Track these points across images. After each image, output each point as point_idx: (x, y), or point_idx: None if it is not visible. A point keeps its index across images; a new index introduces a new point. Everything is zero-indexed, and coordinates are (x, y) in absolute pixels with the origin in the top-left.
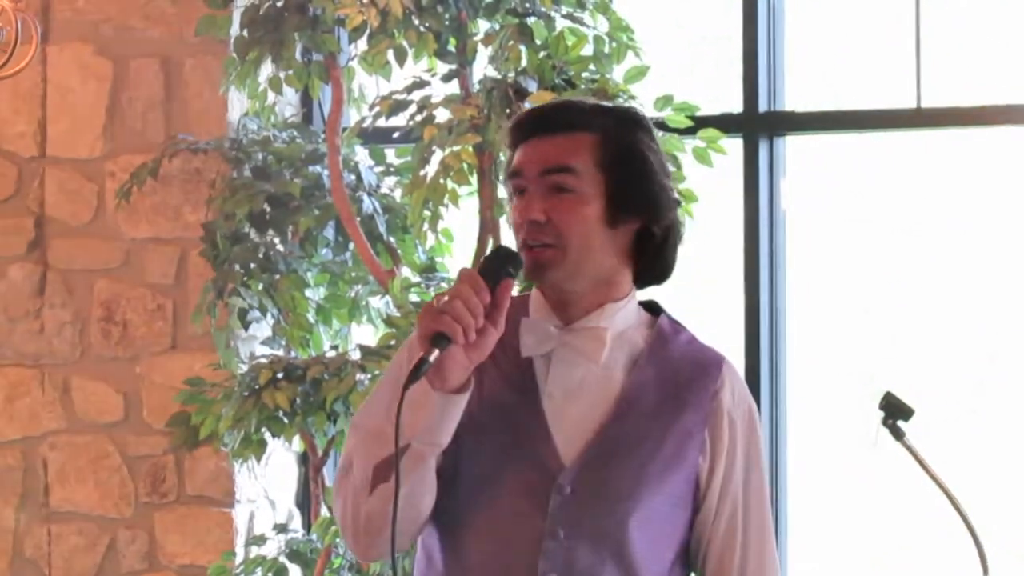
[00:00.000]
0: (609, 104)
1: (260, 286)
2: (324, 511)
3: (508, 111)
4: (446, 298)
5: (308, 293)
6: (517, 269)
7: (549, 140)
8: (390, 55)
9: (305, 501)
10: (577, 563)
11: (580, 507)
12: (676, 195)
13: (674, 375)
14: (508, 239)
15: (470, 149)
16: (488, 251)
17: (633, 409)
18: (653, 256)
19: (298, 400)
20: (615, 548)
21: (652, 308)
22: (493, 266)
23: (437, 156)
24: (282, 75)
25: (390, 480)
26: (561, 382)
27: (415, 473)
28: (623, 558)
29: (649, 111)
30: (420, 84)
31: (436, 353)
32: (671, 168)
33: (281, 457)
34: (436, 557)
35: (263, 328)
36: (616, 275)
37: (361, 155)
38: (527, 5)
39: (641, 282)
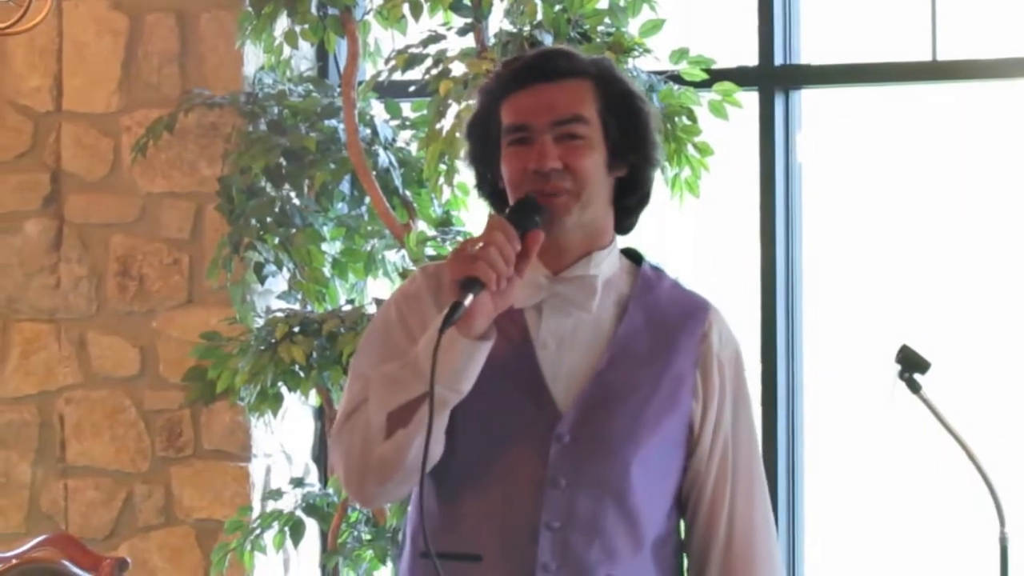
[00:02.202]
0: (595, 56)
1: (276, 240)
2: None
3: None
4: (479, 245)
5: (324, 247)
6: (544, 219)
7: (548, 88)
8: (405, 9)
9: (321, 455)
10: (579, 510)
11: (580, 454)
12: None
13: (663, 319)
14: None
15: None
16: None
17: (626, 355)
18: (639, 201)
19: (314, 354)
20: (616, 494)
21: (633, 256)
22: (521, 215)
23: (453, 110)
24: (297, 29)
25: (408, 425)
26: (554, 331)
27: (437, 420)
28: (624, 504)
29: (664, 64)
30: (435, 38)
31: (470, 298)
32: (684, 119)
33: (297, 411)
34: (433, 512)
35: (279, 282)
36: (605, 222)
37: (377, 109)
38: None
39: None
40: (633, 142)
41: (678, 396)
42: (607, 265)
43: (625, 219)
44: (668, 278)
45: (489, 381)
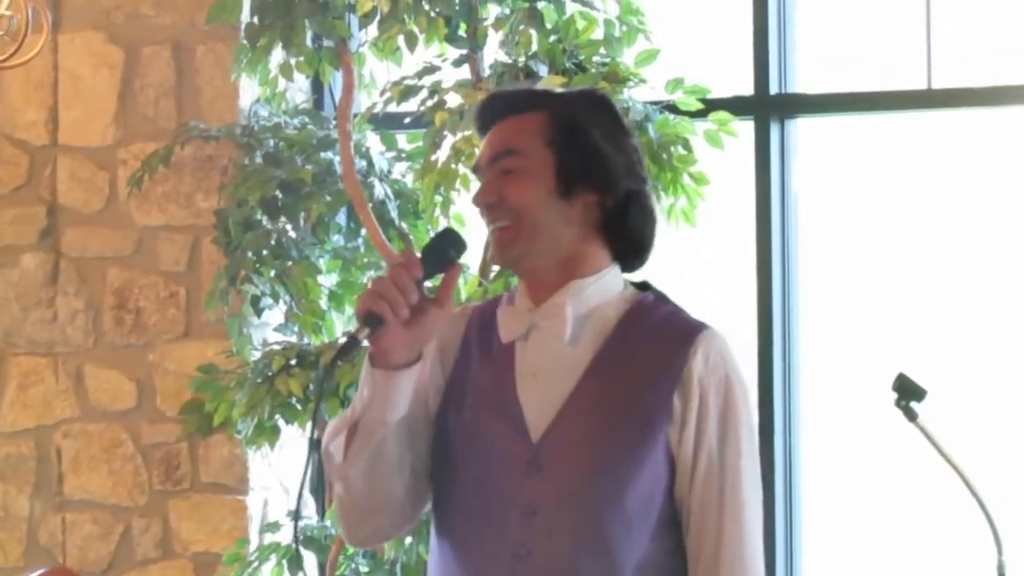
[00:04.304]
0: (567, 88)
1: (272, 272)
2: None
3: None
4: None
5: (320, 279)
6: (460, 251)
7: (500, 126)
8: (400, 40)
9: (319, 488)
10: (554, 540)
11: (551, 484)
12: (639, 169)
13: (646, 348)
14: None
15: None
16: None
17: (597, 385)
18: (617, 227)
19: (311, 386)
20: (586, 523)
21: (643, 287)
22: (435, 247)
23: (448, 141)
24: (293, 61)
25: (345, 459)
26: (533, 362)
27: (368, 448)
28: (595, 533)
29: (660, 94)
30: (431, 69)
31: (366, 331)
32: (679, 148)
33: (295, 444)
34: (435, 545)
35: (276, 315)
36: (580, 250)
37: (372, 141)
38: None
39: (622, 260)
40: (581, 171)
41: (652, 424)
42: (592, 294)
43: (617, 245)
44: (669, 306)
45: (475, 411)
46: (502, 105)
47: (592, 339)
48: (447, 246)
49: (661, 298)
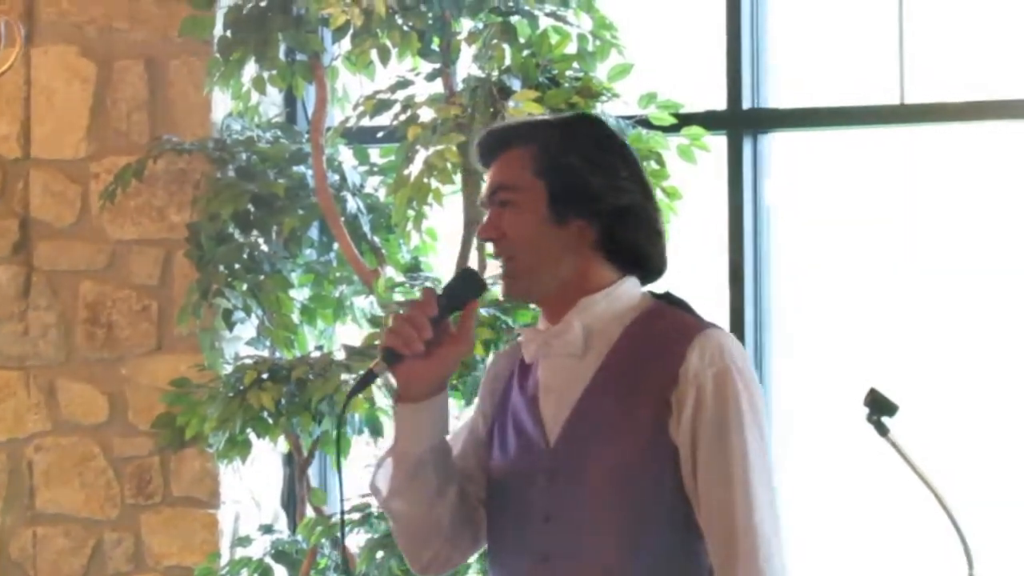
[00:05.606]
0: (556, 117)
1: (245, 287)
2: (309, 511)
3: (492, 110)
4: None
5: (293, 293)
6: (477, 292)
7: (495, 163)
8: (374, 54)
9: (290, 502)
10: (569, 544)
11: (562, 489)
12: (627, 184)
13: (646, 353)
14: None
15: (454, 148)
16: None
17: (600, 393)
18: (610, 245)
19: (283, 401)
20: (600, 526)
21: (663, 297)
22: (453, 287)
23: (421, 155)
24: (266, 75)
25: (388, 492)
26: (550, 377)
27: (403, 479)
28: (611, 535)
29: (633, 109)
30: (404, 83)
31: (383, 366)
32: (652, 163)
33: (266, 458)
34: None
35: (248, 329)
36: (584, 270)
37: (345, 155)
38: (511, 4)
39: (633, 274)
40: (569, 198)
41: (655, 424)
42: (603, 309)
43: (619, 259)
44: (679, 311)
45: (511, 431)
46: (495, 141)
47: (599, 350)
48: (464, 287)
49: (677, 304)
